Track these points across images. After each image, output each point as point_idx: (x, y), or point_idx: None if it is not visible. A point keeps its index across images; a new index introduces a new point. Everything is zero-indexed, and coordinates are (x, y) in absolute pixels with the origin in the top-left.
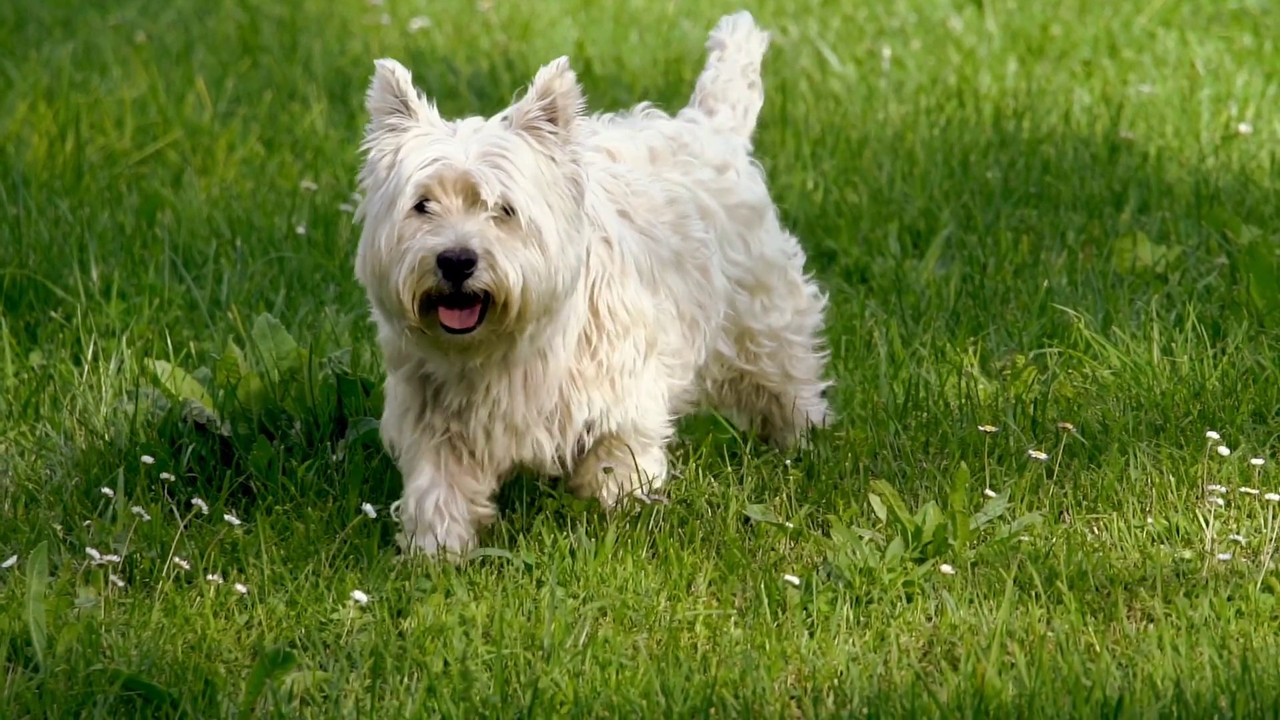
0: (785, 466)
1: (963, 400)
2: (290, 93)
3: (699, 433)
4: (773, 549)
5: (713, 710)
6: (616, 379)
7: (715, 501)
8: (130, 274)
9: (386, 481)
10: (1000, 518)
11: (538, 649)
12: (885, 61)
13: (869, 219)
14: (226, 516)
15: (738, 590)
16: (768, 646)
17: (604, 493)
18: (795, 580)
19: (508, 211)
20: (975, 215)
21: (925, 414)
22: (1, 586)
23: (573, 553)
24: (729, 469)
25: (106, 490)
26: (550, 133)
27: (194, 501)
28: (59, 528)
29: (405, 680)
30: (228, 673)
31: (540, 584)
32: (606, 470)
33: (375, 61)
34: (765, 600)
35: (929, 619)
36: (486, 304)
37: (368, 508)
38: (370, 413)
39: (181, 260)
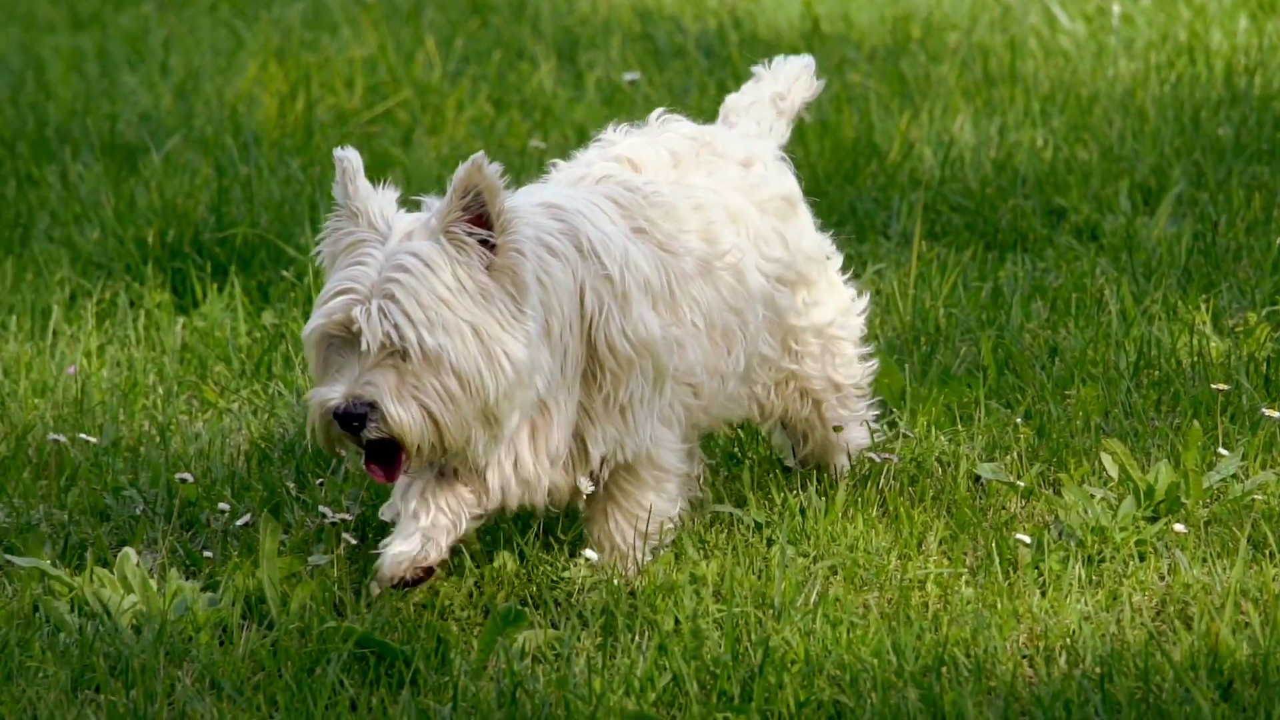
0: (1016, 425)
1: (1195, 358)
2: (519, 52)
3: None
4: (1004, 507)
5: (944, 669)
6: (627, 410)
7: (946, 460)
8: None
9: None
10: (1233, 476)
11: (768, 607)
12: (1115, 18)
13: (1099, 176)
14: None
15: (969, 549)
16: (999, 605)
17: (614, 531)
18: (1027, 539)
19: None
20: (1206, 172)
21: (1157, 372)
22: (236, 545)
23: (803, 511)
24: (959, 427)
25: None
26: (469, 234)
27: None
28: (292, 486)
29: (636, 638)
30: (460, 631)
31: (770, 542)
32: (615, 506)
33: (333, 151)
34: (996, 559)
35: (1162, 578)
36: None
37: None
38: None
39: None
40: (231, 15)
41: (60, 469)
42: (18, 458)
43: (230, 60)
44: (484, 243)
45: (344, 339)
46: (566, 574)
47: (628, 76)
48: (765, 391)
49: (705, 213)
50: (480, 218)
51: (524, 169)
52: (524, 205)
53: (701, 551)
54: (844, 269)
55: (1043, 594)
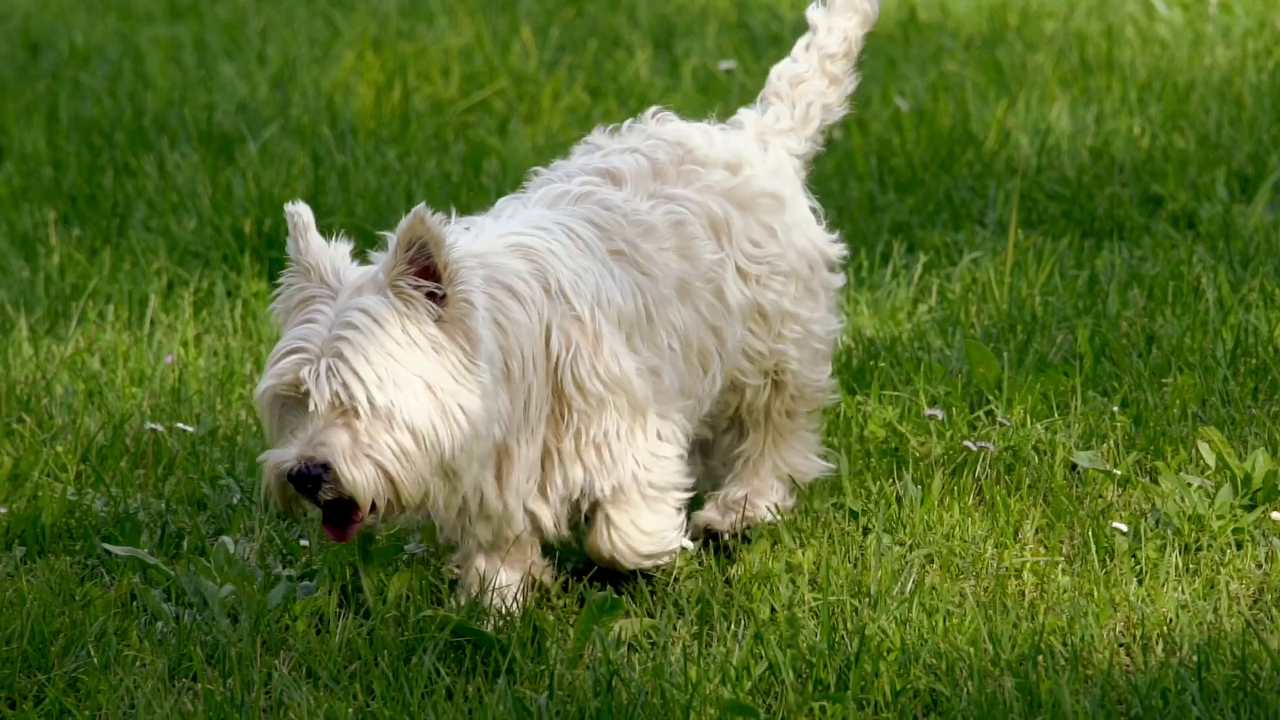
0: (1112, 413)
1: None
2: (614, 40)
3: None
4: (1100, 496)
5: (1040, 658)
6: (603, 447)
7: (1042, 448)
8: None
9: None
10: None
11: (864, 596)
12: (1212, 6)
13: (1196, 164)
14: None
15: (1065, 537)
16: (1096, 594)
17: (607, 549)
18: (1123, 527)
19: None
20: None
21: (1254, 360)
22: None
23: (899, 500)
24: (1056, 415)
25: None
26: (415, 287)
27: None
28: None
29: (732, 627)
30: (556, 619)
31: (866, 531)
32: (610, 526)
33: (285, 207)
34: (1093, 547)
35: (1259, 566)
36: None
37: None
38: None
39: None
40: (328, 5)
41: (157, 458)
42: (115, 447)
43: (327, 50)
44: (432, 294)
45: (296, 399)
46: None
47: (723, 65)
48: (754, 383)
49: (684, 229)
50: (427, 269)
51: None
52: (489, 247)
53: (797, 540)
54: (938, 258)
55: (1139, 582)
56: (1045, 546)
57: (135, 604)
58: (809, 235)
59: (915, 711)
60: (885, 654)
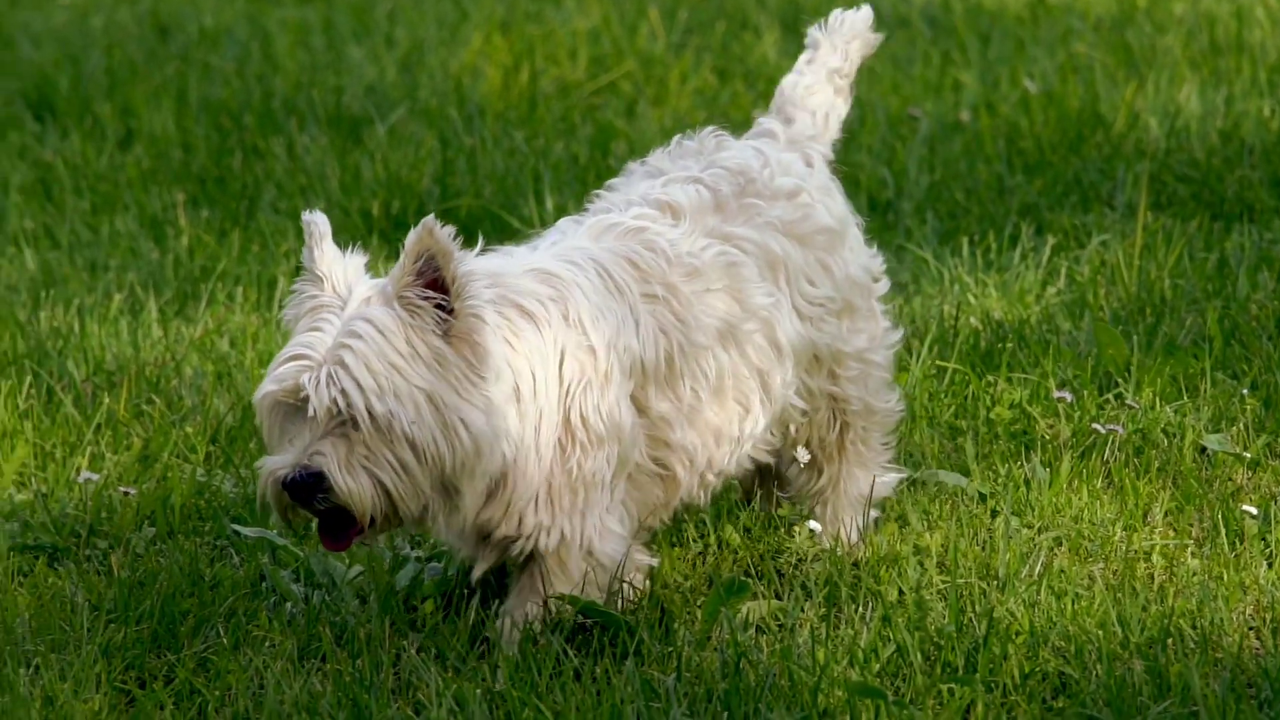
0: (1242, 396)
1: None
2: (742, 22)
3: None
4: (1230, 479)
5: (1170, 641)
6: (581, 489)
7: (1171, 431)
8: (584, 204)
9: None
10: None
11: (992, 579)
12: None
13: None
14: None
15: (1194, 520)
16: (1225, 577)
17: (518, 606)
18: (1253, 510)
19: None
20: None
21: None
22: None
23: (1027, 482)
24: (1185, 398)
25: None
26: (423, 299)
27: None
28: None
29: (860, 609)
30: (683, 601)
31: (995, 514)
32: (529, 588)
33: (302, 215)
34: (1223, 530)
35: None
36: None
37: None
38: None
39: None
40: None
41: None
42: (244, 428)
43: (454, 32)
44: (441, 307)
45: (295, 406)
46: (790, 544)
47: None
48: (807, 419)
49: (738, 270)
50: (436, 281)
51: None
52: (509, 269)
53: (925, 523)
54: (1067, 241)
55: (1269, 565)
56: (1174, 530)
57: (264, 585)
58: (860, 261)
59: (1044, 694)
60: (1014, 637)
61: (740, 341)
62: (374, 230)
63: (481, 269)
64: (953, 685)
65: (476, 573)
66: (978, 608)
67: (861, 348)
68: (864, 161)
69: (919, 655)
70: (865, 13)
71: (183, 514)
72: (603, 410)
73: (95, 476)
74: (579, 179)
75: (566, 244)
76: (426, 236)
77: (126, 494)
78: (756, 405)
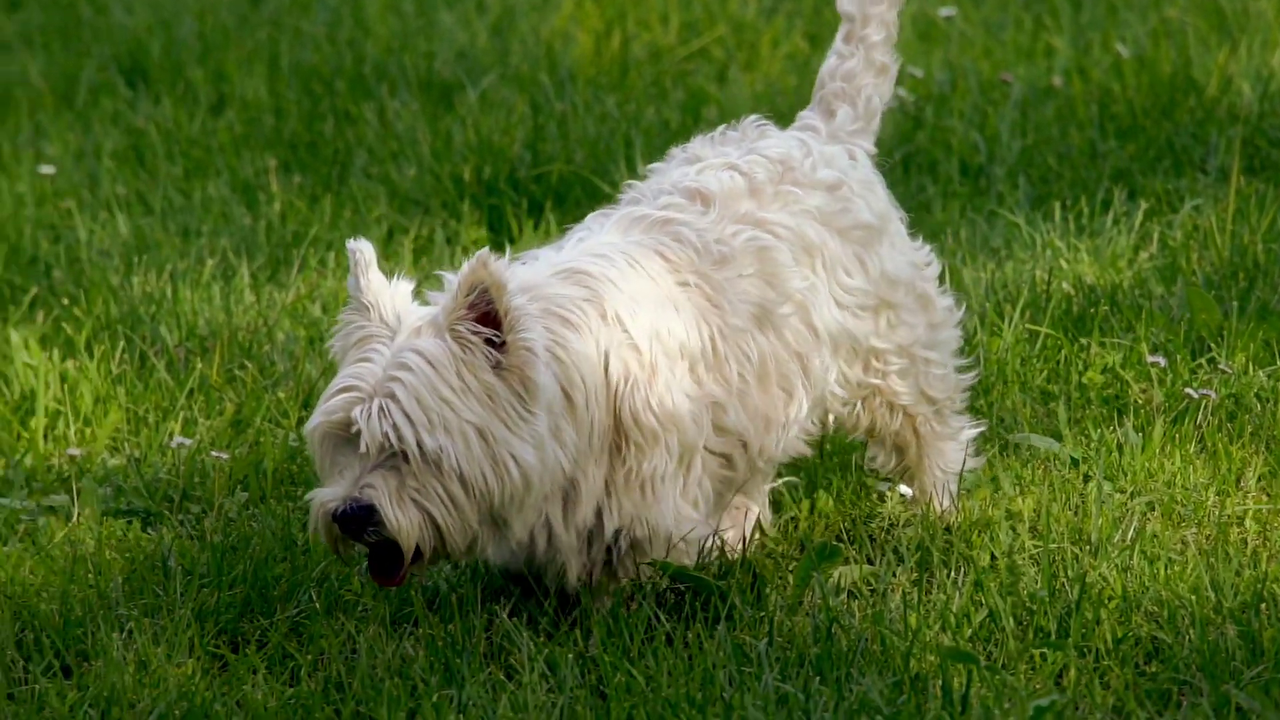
0: None
1: None
2: None
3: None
4: None
5: (1263, 606)
6: (647, 485)
7: (1264, 396)
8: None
9: None
10: None
11: (1085, 543)
12: None
13: None
14: None
15: None
16: None
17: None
18: None
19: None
20: None
21: None
22: None
23: (1120, 447)
24: (1279, 363)
25: None
26: (474, 333)
27: None
28: None
29: (952, 574)
30: (775, 566)
31: (1087, 478)
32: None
33: (347, 243)
34: None
35: None
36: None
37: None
38: None
39: None
40: None
41: None
42: None
43: None
44: (491, 341)
45: (346, 438)
46: (882, 509)
47: (943, 12)
48: (849, 408)
49: (771, 254)
50: (488, 315)
51: None
52: (540, 276)
53: (1018, 488)
54: (1159, 205)
55: None
56: (1268, 494)
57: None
58: (902, 258)
59: (1137, 659)
60: (1106, 601)
61: (777, 325)
62: (465, 196)
63: (516, 280)
64: (1045, 650)
65: (571, 575)
66: (1070, 573)
67: (905, 342)
68: (956, 126)
69: (1011, 620)
70: None
71: (275, 479)
72: (653, 404)
73: (188, 441)
74: (670, 144)
75: (594, 240)
76: (481, 269)
77: (219, 459)
78: (799, 389)
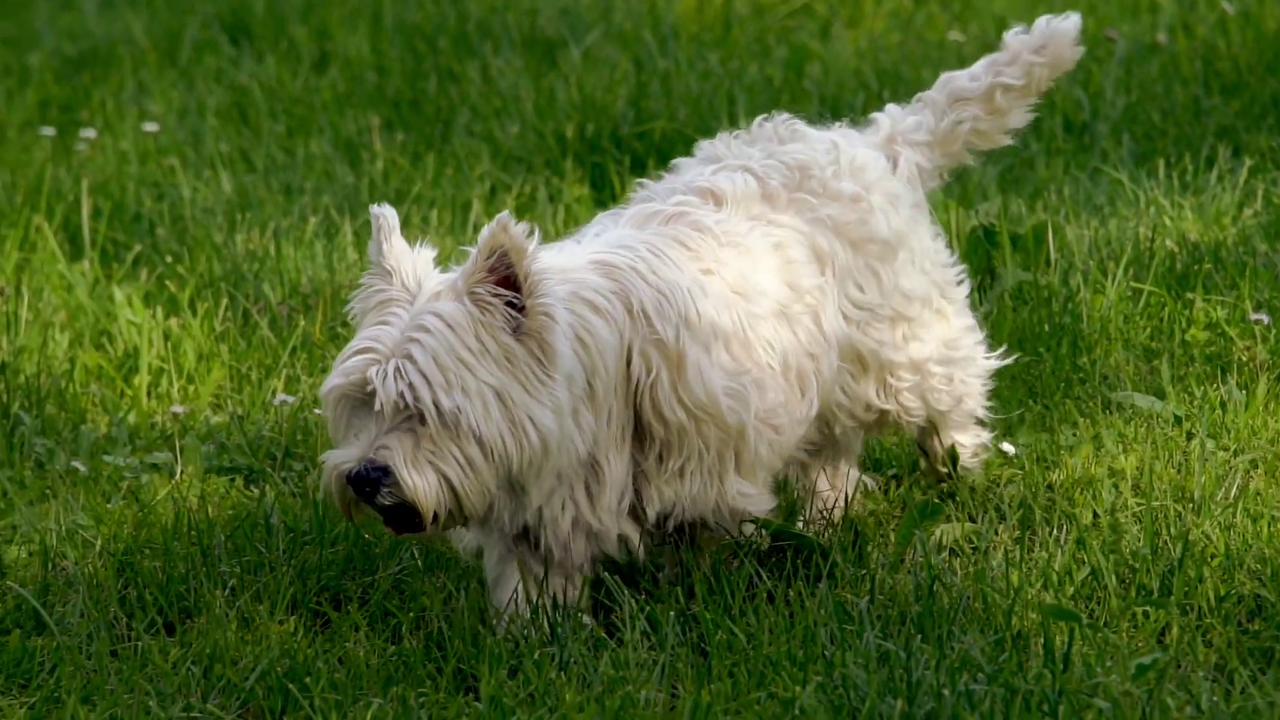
0: None
1: None
2: None
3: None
4: None
5: None
6: (685, 473)
7: None
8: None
9: (1035, 334)
10: None
11: (1187, 501)
12: None
13: None
14: None
15: None
16: None
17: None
18: None
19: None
20: None
21: None
22: None
23: (1223, 404)
24: None
25: None
26: (494, 295)
27: None
28: None
29: (1054, 532)
30: (876, 524)
31: (1190, 436)
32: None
33: (370, 209)
34: None
35: None
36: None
37: (1010, 361)
38: (1018, 265)
39: (829, 112)
40: None
41: None
42: None
43: None
44: (512, 305)
45: (362, 400)
46: (983, 466)
47: None
48: (854, 424)
49: (785, 252)
50: (508, 279)
51: (942, 62)
52: (572, 264)
53: (1120, 445)
54: (1264, 163)
55: None
56: None
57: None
58: (923, 271)
59: (1239, 617)
60: (1209, 559)
61: (792, 322)
62: (568, 153)
63: (548, 264)
64: (1147, 608)
65: (637, 548)
66: (1173, 530)
67: (919, 357)
68: (1060, 83)
69: (1113, 578)
70: (1072, 23)
71: None
72: (681, 397)
73: (291, 399)
74: (773, 101)
75: (613, 234)
76: (500, 233)
77: (322, 416)
78: (812, 387)
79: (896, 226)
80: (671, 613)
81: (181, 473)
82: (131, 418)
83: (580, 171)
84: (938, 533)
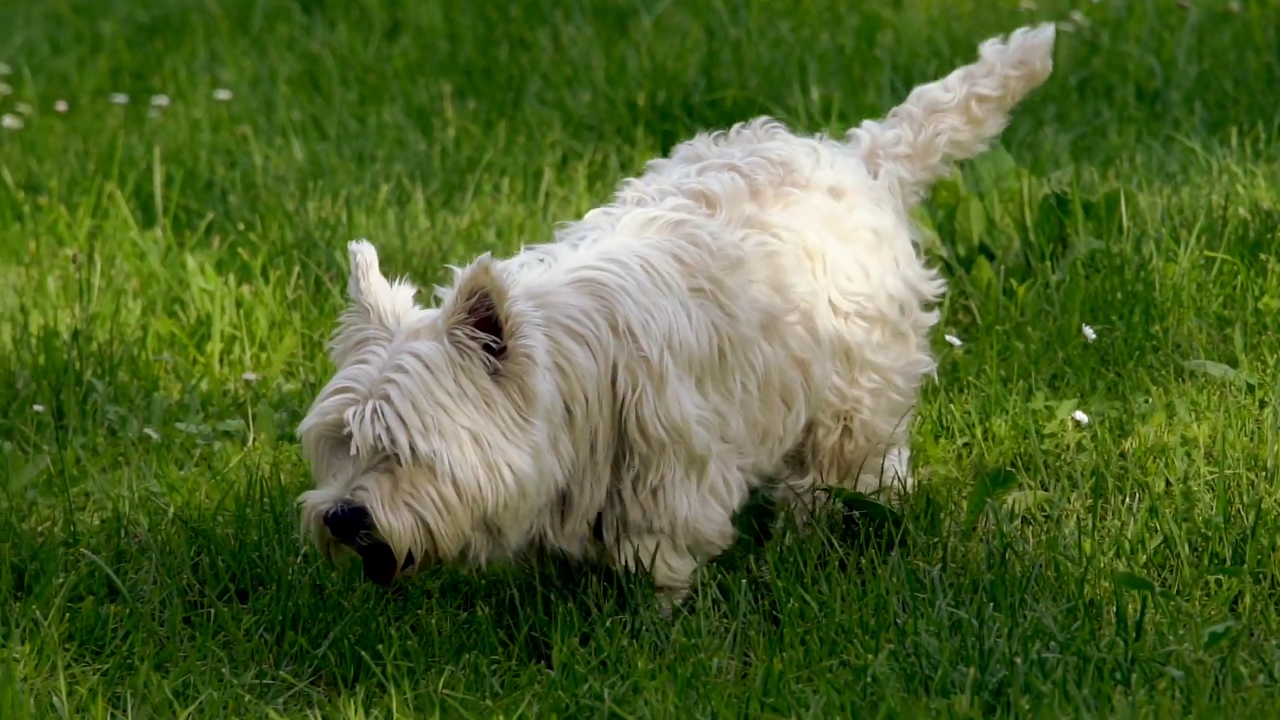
0: None
1: None
2: None
3: None
4: None
5: None
6: (659, 492)
7: None
8: (850, 95)
9: (1108, 303)
10: None
11: (1260, 470)
12: None
13: None
14: (948, 337)
15: None
16: None
17: (620, 563)
18: None
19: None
20: None
21: None
22: None
23: None
24: None
25: None
26: (473, 338)
27: None
28: None
29: (1126, 500)
30: (948, 492)
31: (1263, 404)
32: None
33: (349, 245)
34: None
35: None
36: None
37: (1087, 330)
38: (1090, 233)
39: (901, 81)
40: None
41: None
42: None
43: None
44: (489, 347)
45: (340, 440)
46: (1056, 436)
47: None
48: (831, 423)
49: (776, 260)
50: (488, 319)
51: (1013, 29)
52: (552, 283)
53: (1193, 414)
54: None
55: None
56: None
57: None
58: (905, 275)
59: None
60: None
61: (782, 334)
62: (639, 121)
63: (525, 285)
64: (1220, 576)
65: (573, 560)
66: (1246, 499)
67: (883, 364)
68: (1132, 51)
69: (1186, 546)
70: (1045, 36)
71: None
72: (660, 415)
73: None
74: (844, 70)
75: (609, 241)
76: (482, 274)
77: None
78: (799, 400)
79: (882, 223)
80: (744, 580)
81: (254, 440)
82: (204, 385)
83: (652, 139)
84: (1010, 501)
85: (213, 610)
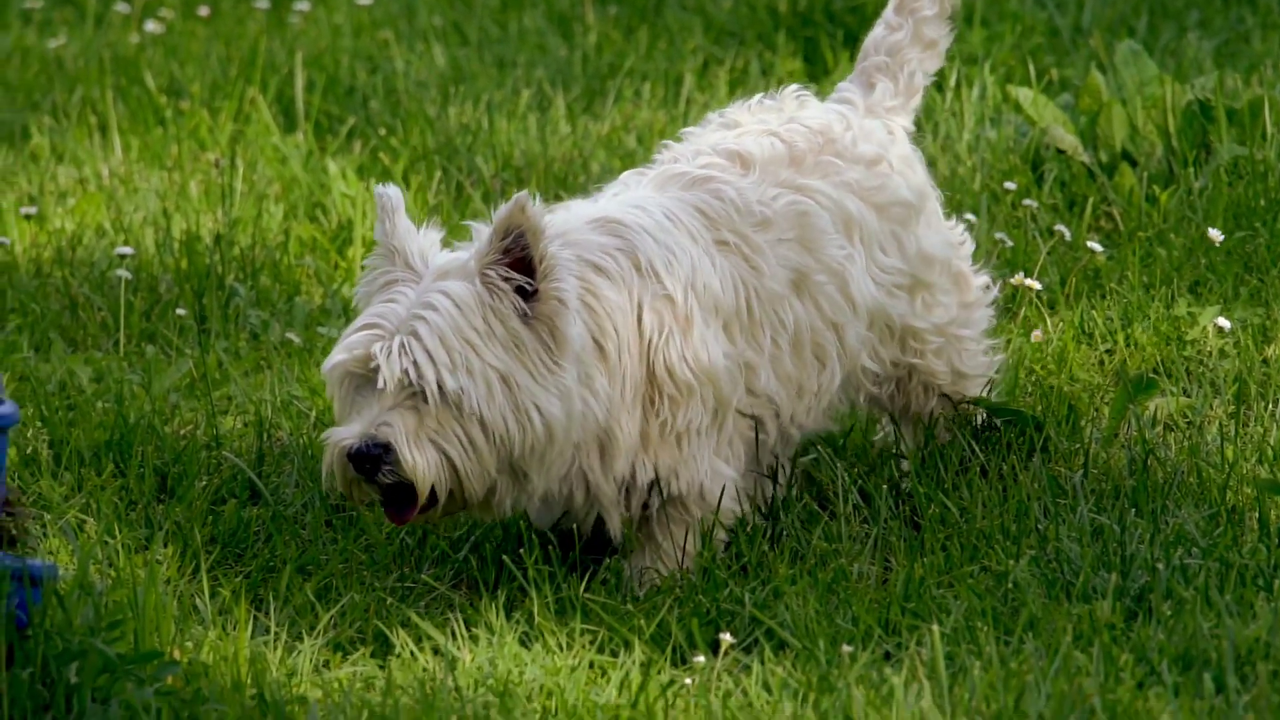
0: None
1: None
2: None
3: None
4: None
5: None
6: (683, 438)
7: None
8: (992, 1)
9: (1251, 209)
10: None
11: None
12: None
13: None
14: (1089, 244)
15: None
16: None
17: (649, 562)
18: None
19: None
20: None
21: None
22: None
23: None
24: None
25: (970, 217)
26: (506, 279)
27: (1057, 228)
28: None
29: (1269, 407)
30: (1090, 398)
31: None
32: (654, 546)
33: (375, 189)
34: None
35: None
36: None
37: (1213, 232)
38: (1233, 140)
39: None
40: None
41: None
42: None
43: None
44: (521, 290)
45: (366, 376)
46: (1199, 342)
47: None
48: (884, 389)
49: (810, 220)
50: (522, 260)
51: None
52: (573, 223)
53: None
54: None
55: None
56: None
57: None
58: (937, 237)
59: None
60: None
61: (813, 292)
62: (780, 27)
63: (550, 226)
64: None
65: (613, 528)
66: None
67: (941, 321)
68: None
69: None
70: None
71: None
72: (688, 357)
73: None
74: None
75: (630, 194)
76: (518, 213)
77: None
78: (833, 359)
79: (916, 186)
80: (884, 486)
81: None
82: (345, 290)
83: (793, 45)
84: (1152, 407)
85: (355, 513)
